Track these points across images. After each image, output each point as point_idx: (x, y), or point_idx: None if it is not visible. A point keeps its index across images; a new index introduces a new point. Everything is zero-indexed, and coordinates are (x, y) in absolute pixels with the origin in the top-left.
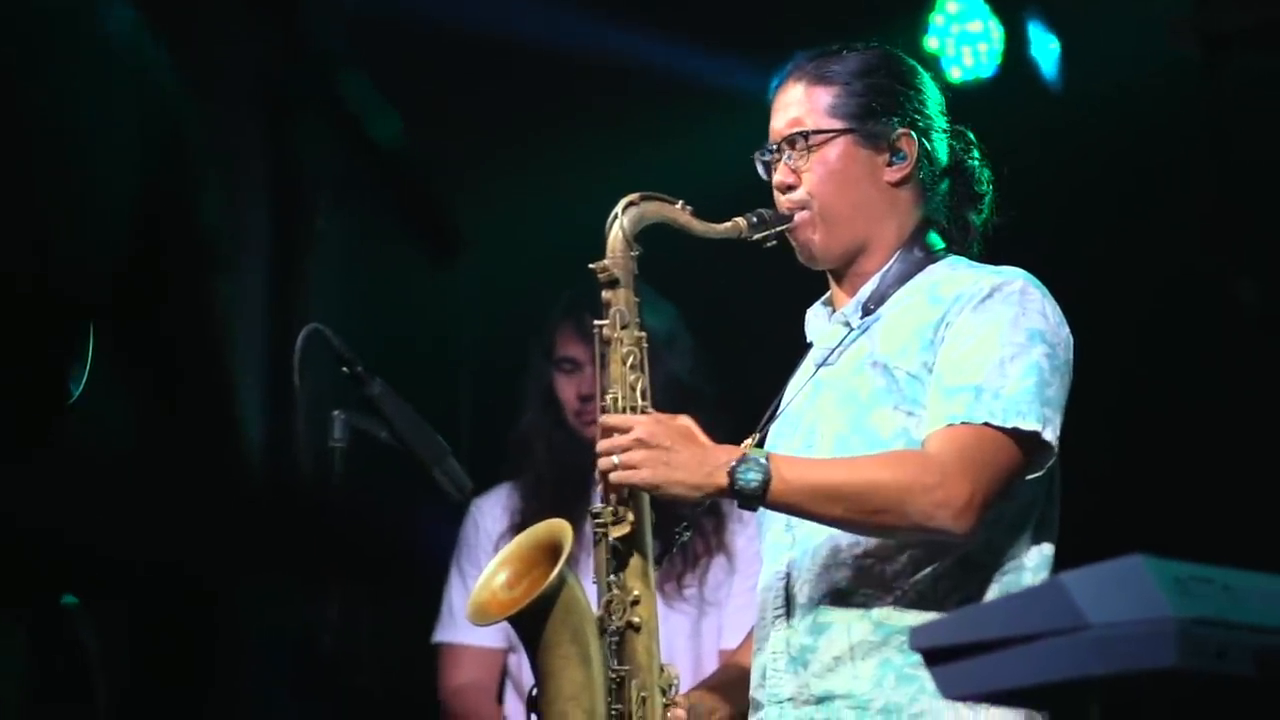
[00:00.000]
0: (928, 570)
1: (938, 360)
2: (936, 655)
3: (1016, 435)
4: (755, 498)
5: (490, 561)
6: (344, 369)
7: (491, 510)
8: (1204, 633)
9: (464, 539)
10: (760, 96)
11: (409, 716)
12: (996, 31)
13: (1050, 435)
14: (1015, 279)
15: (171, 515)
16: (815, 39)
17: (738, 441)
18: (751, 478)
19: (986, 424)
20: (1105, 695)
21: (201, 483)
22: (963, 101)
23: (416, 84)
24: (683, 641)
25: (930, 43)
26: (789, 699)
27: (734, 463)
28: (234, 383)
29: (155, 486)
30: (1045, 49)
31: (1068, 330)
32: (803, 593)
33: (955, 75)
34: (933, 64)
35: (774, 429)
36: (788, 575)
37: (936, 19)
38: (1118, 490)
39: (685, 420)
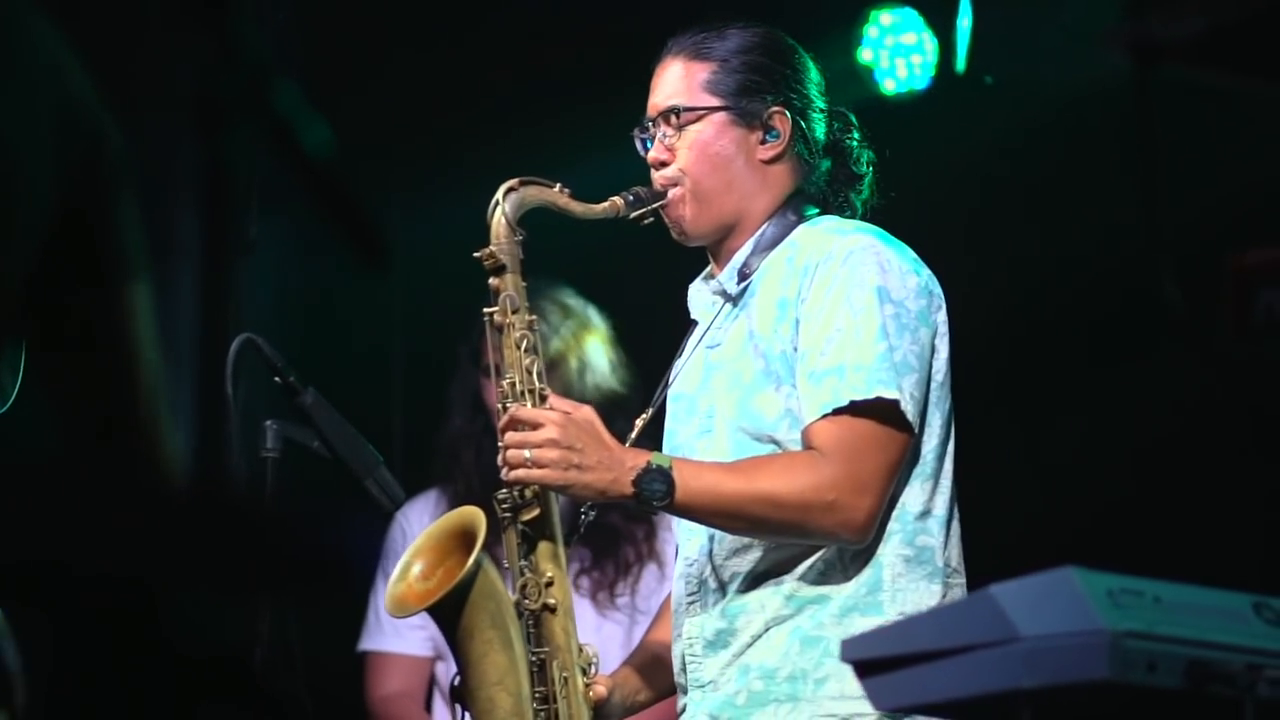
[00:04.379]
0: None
1: (799, 341)
2: (868, 667)
3: (881, 405)
4: (659, 506)
5: (404, 553)
6: (276, 379)
7: (419, 518)
8: (1135, 645)
9: (390, 546)
10: None
11: None
12: (930, 44)
13: (908, 408)
14: (857, 235)
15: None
16: None
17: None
18: (656, 489)
19: (852, 401)
20: (1036, 707)
21: (130, 492)
22: (897, 114)
23: (346, 94)
24: (616, 650)
25: (864, 55)
26: (710, 682)
27: (639, 470)
28: (161, 391)
29: (82, 495)
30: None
31: (923, 276)
32: (714, 578)
33: (889, 88)
34: (866, 77)
35: (671, 411)
36: (697, 561)
37: (870, 31)
38: (1044, 499)
39: (589, 413)
